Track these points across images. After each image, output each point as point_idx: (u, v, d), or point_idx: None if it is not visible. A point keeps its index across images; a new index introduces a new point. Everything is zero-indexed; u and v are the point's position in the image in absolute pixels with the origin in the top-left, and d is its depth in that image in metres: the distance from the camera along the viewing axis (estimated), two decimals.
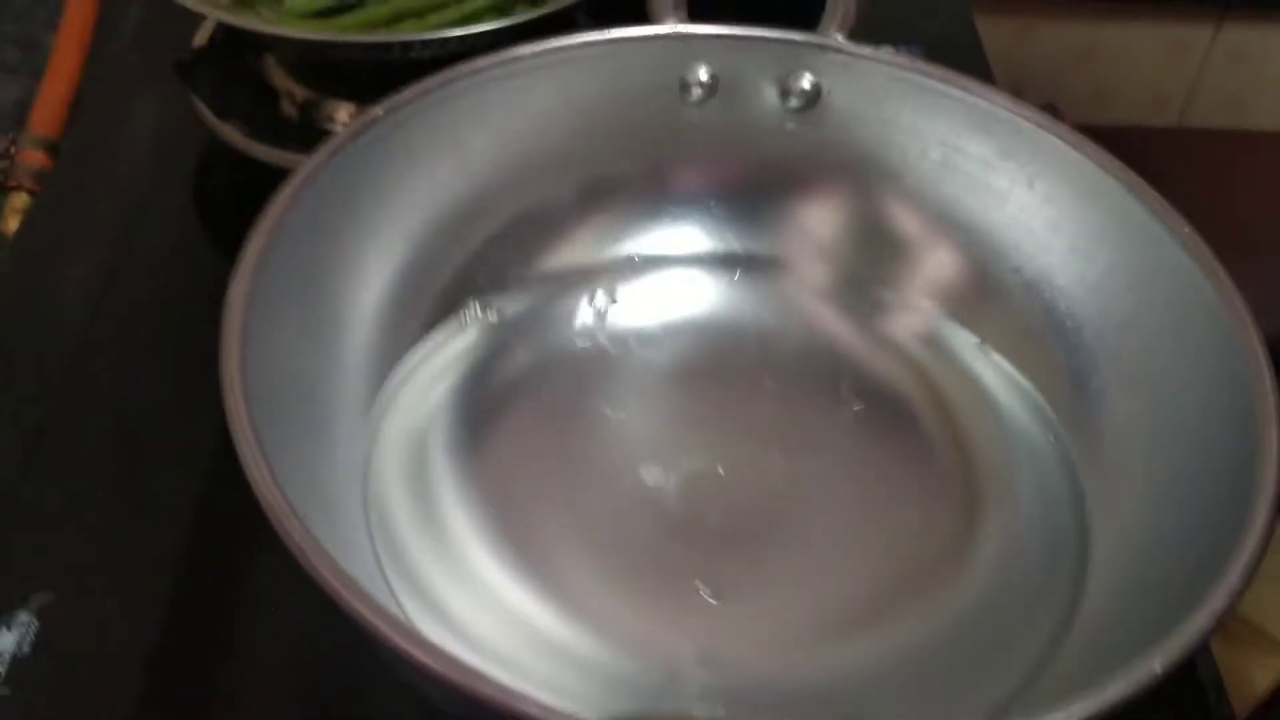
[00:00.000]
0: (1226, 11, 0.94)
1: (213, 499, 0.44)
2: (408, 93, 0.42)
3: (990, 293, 0.46)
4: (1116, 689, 0.29)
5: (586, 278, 0.48)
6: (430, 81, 0.42)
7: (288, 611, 0.42)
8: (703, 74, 0.47)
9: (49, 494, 0.45)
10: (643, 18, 0.46)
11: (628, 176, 0.48)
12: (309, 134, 0.57)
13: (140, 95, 0.63)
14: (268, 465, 0.30)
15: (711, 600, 0.39)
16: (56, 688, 0.40)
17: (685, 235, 0.49)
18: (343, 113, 0.59)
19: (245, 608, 0.42)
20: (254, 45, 0.60)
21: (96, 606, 0.42)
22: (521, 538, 0.40)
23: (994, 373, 0.46)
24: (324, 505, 0.34)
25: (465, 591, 0.38)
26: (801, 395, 0.46)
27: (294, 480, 0.31)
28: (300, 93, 0.59)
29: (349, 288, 0.41)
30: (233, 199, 0.58)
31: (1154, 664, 0.30)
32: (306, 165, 0.39)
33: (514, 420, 0.44)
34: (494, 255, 0.46)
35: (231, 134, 0.57)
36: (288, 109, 0.59)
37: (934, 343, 0.47)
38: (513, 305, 0.47)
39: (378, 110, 0.41)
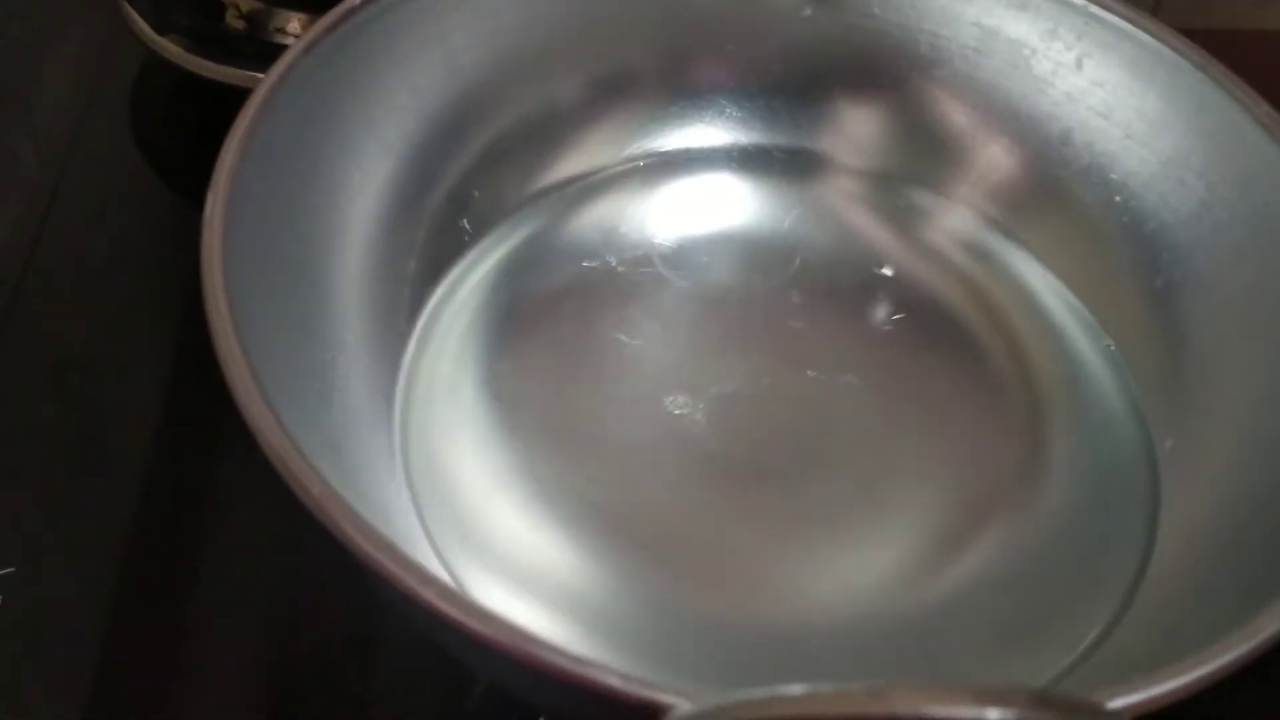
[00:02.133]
0: None
1: (162, 452, 0.41)
2: None
3: (1037, 191, 0.42)
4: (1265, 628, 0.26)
5: (592, 190, 0.43)
6: None
7: (253, 565, 0.38)
8: None
9: None
10: None
11: (632, 74, 0.43)
12: (258, 47, 0.52)
13: (65, 12, 0.58)
14: (273, 411, 0.26)
15: (758, 542, 0.36)
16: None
17: (699, 138, 0.44)
18: (294, 23, 0.53)
19: (205, 564, 0.39)
20: None
21: (52, 577, 0.38)
22: (555, 485, 0.36)
23: (1048, 280, 0.42)
24: (337, 455, 0.29)
25: (510, 539, 0.35)
26: (833, 308, 0.41)
27: (304, 430, 0.27)
28: (246, 3, 0.54)
29: (333, 210, 0.36)
30: (175, 121, 0.54)
31: None
32: (279, 66, 0.34)
33: (526, 355, 0.39)
34: (489, 170, 0.41)
35: (173, 50, 0.52)
36: (233, 21, 0.54)
37: (981, 249, 0.43)
38: (512, 225, 0.42)
39: (354, 0, 0.36)
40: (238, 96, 0.49)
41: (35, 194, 0.50)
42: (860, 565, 0.35)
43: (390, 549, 0.25)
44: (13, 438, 0.41)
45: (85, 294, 0.46)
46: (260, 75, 0.49)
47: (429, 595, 0.24)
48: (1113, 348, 0.40)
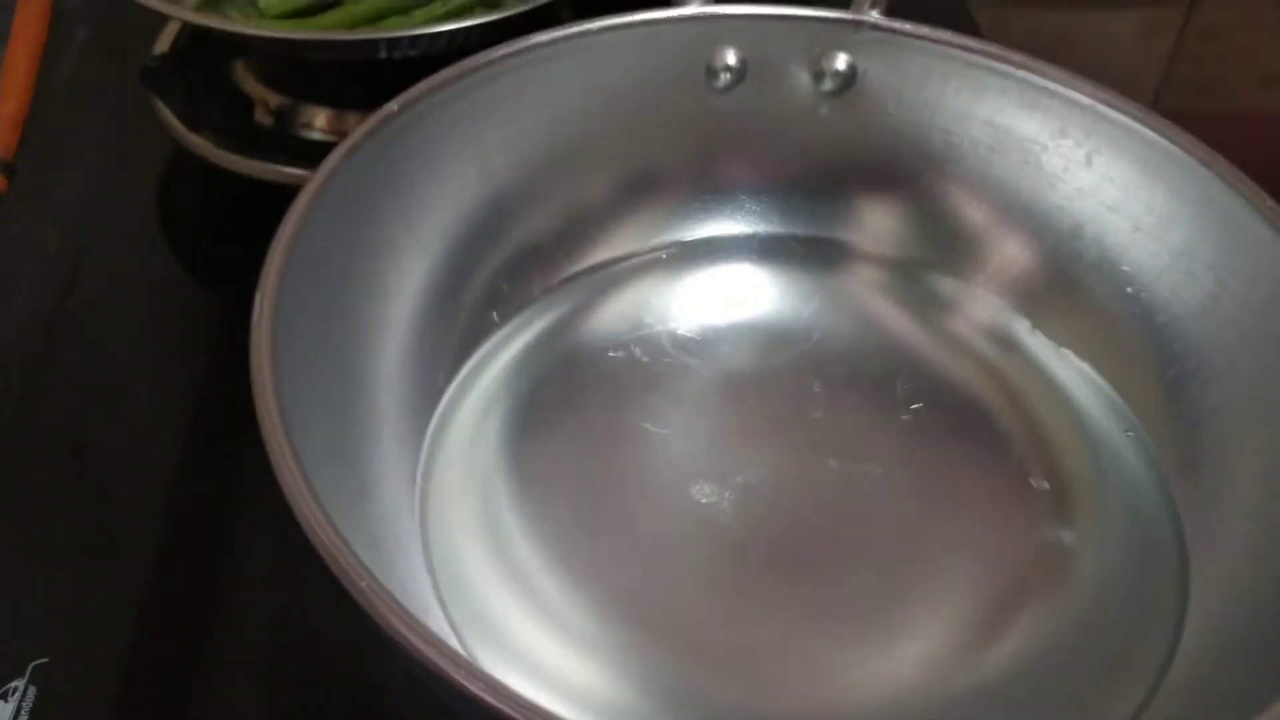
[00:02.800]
0: None
1: (172, 536, 0.41)
2: (423, 85, 0.38)
3: (1052, 282, 0.43)
4: None
5: (616, 280, 0.44)
6: (446, 73, 0.39)
7: (263, 648, 0.39)
8: (730, 58, 0.44)
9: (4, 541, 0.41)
10: (628, 12, 0.43)
11: (654, 172, 0.45)
12: (286, 143, 0.54)
13: (97, 110, 0.60)
14: (320, 507, 0.27)
15: (785, 633, 0.36)
16: None
17: (720, 231, 0.45)
18: (321, 119, 0.55)
19: (214, 639, 0.39)
20: (223, 50, 0.56)
21: (77, 665, 0.38)
22: (584, 573, 0.37)
23: (1067, 368, 0.43)
24: (375, 547, 0.30)
25: (536, 630, 0.35)
26: (855, 397, 0.42)
27: (346, 522, 0.27)
28: (274, 99, 0.56)
29: (372, 308, 0.37)
30: (204, 215, 0.55)
31: None
32: (322, 169, 0.35)
33: (552, 444, 0.40)
34: (519, 264, 0.42)
35: (203, 146, 0.53)
36: (262, 117, 0.55)
37: (1000, 337, 0.44)
38: (538, 315, 0.43)
39: (393, 106, 0.37)
40: (265, 189, 0.50)
41: (54, 279, 0.51)
42: (888, 656, 0.36)
43: (441, 645, 0.25)
44: (32, 522, 0.42)
45: (102, 379, 0.47)
46: (287, 169, 0.51)
47: (476, 689, 0.25)
48: (1133, 435, 0.41)
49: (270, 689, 0.38)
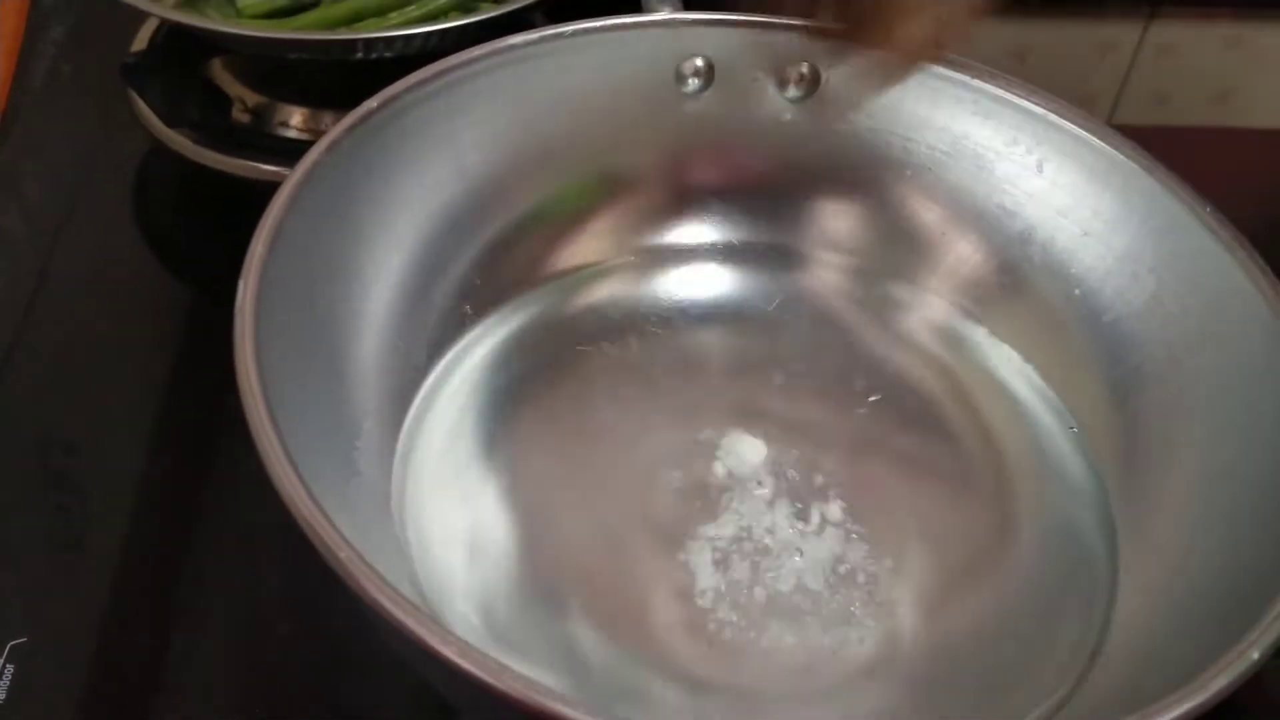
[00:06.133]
0: (1157, 7, 0.95)
1: (140, 534, 0.42)
2: (402, 84, 0.40)
3: (1004, 284, 0.45)
4: (1217, 681, 0.28)
5: (586, 280, 0.46)
6: (425, 72, 0.40)
7: (228, 632, 0.40)
8: (699, 63, 0.45)
9: None
10: (600, 18, 0.45)
11: (626, 173, 0.46)
12: (262, 140, 0.55)
13: (75, 106, 0.60)
14: (302, 482, 0.28)
15: (746, 611, 0.38)
16: None
17: (689, 231, 0.47)
18: (297, 117, 0.56)
19: (183, 624, 0.40)
20: (201, 48, 0.57)
21: (48, 649, 0.39)
22: (554, 555, 0.38)
23: (1014, 366, 0.45)
24: (355, 527, 0.31)
25: (508, 606, 0.37)
26: (814, 390, 0.44)
27: (327, 501, 0.29)
28: (252, 98, 0.57)
29: (350, 299, 0.38)
30: (181, 211, 0.56)
31: (1251, 651, 0.29)
32: (303, 163, 0.36)
33: (525, 433, 0.42)
34: (491, 259, 0.44)
35: (181, 142, 0.54)
36: (239, 115, 0.56)
37: (952, 336, 0.46)
38: (510, 310, 0.45)
39: (373, 103, 0.39)
40: (241, 186, 0.51)
41: (29, 274, 0.51)
42: (840, 634, 0.37)
43: (416, 611, 0.27)
44: (4, 512, 0.42)
45: (74, 374, 0.47)
46: (264, 166, 0.52)
47: (449, 652, 0.26)
48: (1075, 429, 0.43)
49: (237, 672, 0.39)
